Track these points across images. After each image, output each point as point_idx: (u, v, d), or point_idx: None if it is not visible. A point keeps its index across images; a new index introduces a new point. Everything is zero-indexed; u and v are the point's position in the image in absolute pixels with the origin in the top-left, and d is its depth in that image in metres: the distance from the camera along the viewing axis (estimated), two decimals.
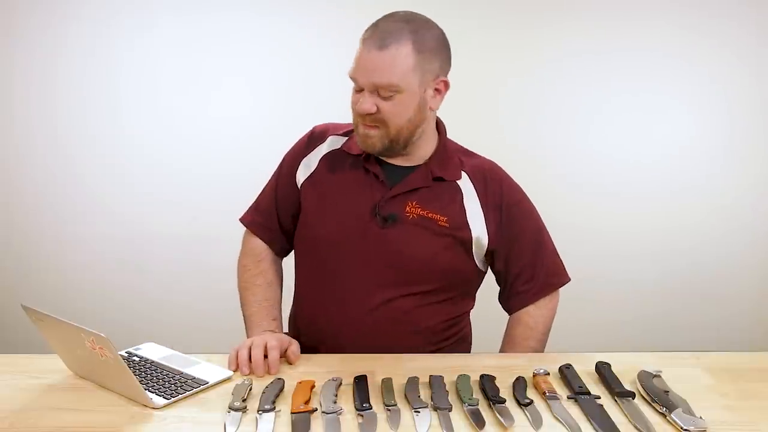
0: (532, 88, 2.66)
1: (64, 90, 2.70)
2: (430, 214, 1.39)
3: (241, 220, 1.58)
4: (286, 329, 1.54)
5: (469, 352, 1.53)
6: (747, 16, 2.59)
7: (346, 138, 1.49)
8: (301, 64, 2.64)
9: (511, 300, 1.49)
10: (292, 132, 1.61)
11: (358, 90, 1.34)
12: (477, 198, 1.42)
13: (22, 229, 2.80)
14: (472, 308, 1.54)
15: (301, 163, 1.50)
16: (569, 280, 1.50)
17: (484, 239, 1.41)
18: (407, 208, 1.39)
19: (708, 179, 2.70)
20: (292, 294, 1.54)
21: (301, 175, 1.49)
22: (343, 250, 1.40)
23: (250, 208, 1.59)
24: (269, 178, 1.58)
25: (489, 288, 1.54)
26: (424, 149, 1.43)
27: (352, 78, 1.33)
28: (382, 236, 1.38)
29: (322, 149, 1.49)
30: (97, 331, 1.07)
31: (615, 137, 2.69)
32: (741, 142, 2.68)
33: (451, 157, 1.45)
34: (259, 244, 1.55)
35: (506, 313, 1.53)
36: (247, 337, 1.42)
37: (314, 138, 1.52)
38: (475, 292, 1.53)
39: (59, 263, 2.80)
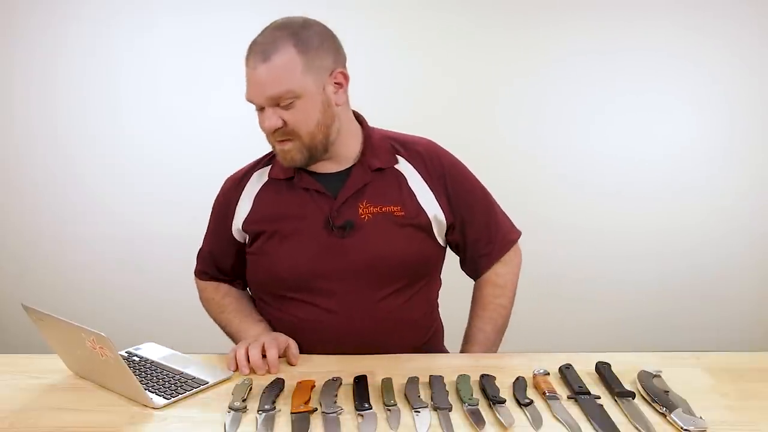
0: (536, 88, 2.66)
1: (64, 90, 2.70)
2: (384, 208, 1.36)
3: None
4: None
5: (443, 347, 1.53)
6: (750, 17, 2.59)
7: (269, 166, 1.44)
8: None
9: (475, 264, 1.48)
10: None
11: (260, 109, 1.30)
12: (420, 177, 1.40)
13: (21, 229, 2.80)
14: (439, 289, 1.51)
15: (236, 209, 1.45)
16: (521, 232, 1.51)
17: (441, 216, 1.40)
18: (360, 211, 1.36)
19: (709, 180, 2.70)
20: None
21: (239, 220, 1.44)
22: (314, 275, 1.35)
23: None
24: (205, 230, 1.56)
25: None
26: (350, 147, 1.39)
27: (249, 100, 1.30)
28: (346, 246, 1.34)
29: (253, 188, 1.44)
30: (98, 331, 1.08)
31: (617, 137, 2.69)
32: (743, 143, 2.68)
33: (381, 145, 1.42)
34: (209, 282, 1.55)
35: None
36: None
37: (236, 182, 1.47)
38: (440, 271, 1.51)
39: (59, 263, 2.80)
